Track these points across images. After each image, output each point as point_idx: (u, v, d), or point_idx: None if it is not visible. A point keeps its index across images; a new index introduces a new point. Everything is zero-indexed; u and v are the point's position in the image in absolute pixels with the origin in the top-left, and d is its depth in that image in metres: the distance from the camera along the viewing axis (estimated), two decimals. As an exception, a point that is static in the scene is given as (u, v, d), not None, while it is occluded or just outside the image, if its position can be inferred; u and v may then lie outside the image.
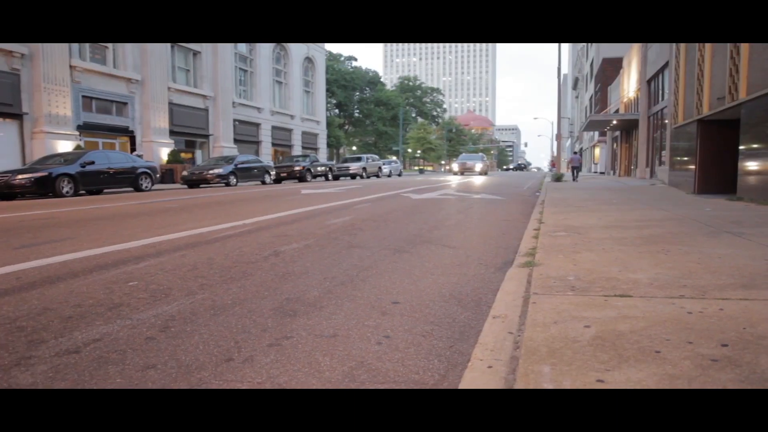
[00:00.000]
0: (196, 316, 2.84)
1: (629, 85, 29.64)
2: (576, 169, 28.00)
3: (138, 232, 6.21)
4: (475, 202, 10.85)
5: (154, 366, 2.17)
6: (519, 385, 1.76)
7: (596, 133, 50.17)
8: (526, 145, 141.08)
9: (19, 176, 13.51)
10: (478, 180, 26.81)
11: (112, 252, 4.79)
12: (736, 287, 2.96)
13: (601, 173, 45.83)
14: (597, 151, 53.92)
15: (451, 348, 2.40)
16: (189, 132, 30.92)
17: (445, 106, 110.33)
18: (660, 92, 22.10)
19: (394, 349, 2.37)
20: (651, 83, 24.05)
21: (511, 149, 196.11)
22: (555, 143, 36.97)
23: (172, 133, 28.47)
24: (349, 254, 4.71)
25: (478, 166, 38.53)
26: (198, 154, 32.32)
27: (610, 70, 41.78)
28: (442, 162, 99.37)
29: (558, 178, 22.81)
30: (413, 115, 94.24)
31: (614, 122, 31.52)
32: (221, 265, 4.21)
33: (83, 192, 15.62)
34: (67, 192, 14.32)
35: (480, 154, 47.11)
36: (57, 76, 21.61)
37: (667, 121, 18.65)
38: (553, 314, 2.53)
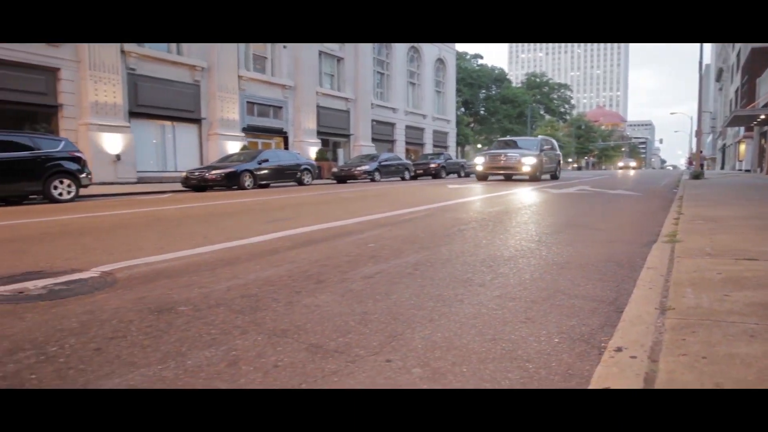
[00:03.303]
0: (431, 263, 4.17)
1: (782, 77, 27.95)
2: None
3: (341, 214, 7.80)
4: (612, 197, 11.50)
5: (426, 285, 3.50)
6: (671, 297, 2.86)
7: (741, 129, 46.92)
8: (660, 141, 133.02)
9: (213, 171, 16.15)
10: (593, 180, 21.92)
11: (335, 227, 6.35)
12: None
13: (747, 171, 42.97)
14: (742, 147, 50.36)
15: (617, 287, 3.50)
16: (332, 132, 33.53)
17: (573, 102, 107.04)
18: (816, 86, 20.92)
19: (578, 285, 3.52)
20: (806, 76, 22.74)
21: (644, 146, 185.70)
22: (694, 139, 34.76)
23: (318, 133, 31.14)
24: (516, 232, 5.89)
25: (528, 162, 18.78)
26: (339, 152, 34.92)
27: (760, 60, 39.00)
28: (570, 160, 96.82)
29: (697, 176, 22.20)
30: (540, 112, 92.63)
31: (762, 117, 29.77)
32: (424, 236, 5.57)
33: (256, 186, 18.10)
34: (248, 185, 16.75)
35: (538, 138, 23.27)
36: (228, 85, 24.83)
37: (822, 117, 17.80)
38: (693, 267, 3.55)
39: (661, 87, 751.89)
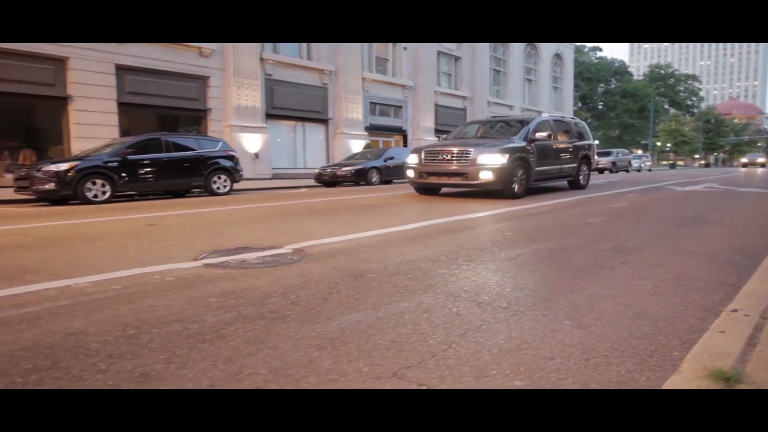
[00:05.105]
0: (564, 249, 4.78)
1: None
2: None
3: (471, 207, 8.48)
4: (742, 195, 11.28)
5: (563, 266, 4.13)
6: (786, 280, 3.32)
7: None
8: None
9: (344, 168, 17.54)
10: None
11: (471, 218, 7.07)
12: None
13: None
14: None
15: (739, 273, 3.91)
16: (449, 130, 34.01)
17: (702, 93, 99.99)
18: None
19: (701, 270, 3.99)
20: None
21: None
22: None
23: (435, 131, 31.98)
24: (640, 226, 6.31)
25: (488, 163, 10.10)
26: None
27: None
28: (696, 156, 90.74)
29: None
30: (665, 105, 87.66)
31: None
32: (553, 228, 6.16)
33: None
34: (375, 181, 17.91)
35: (532, 119, 12.11)
36: (352, 87, 26.41)
37: None
38: (814, 257, 3.93)
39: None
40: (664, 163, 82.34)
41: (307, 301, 3.16)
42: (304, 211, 8.43)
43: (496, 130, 12.25)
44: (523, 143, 10.81)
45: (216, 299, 3.21)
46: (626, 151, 40.55)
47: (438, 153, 10.80)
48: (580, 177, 13.33)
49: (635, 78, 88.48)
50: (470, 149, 10.30)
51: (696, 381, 1.83)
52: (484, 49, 35.83)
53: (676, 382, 1.87)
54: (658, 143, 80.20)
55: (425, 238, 5.45)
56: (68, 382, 2.08)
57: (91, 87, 17.74)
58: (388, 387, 2.01)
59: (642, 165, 40.26)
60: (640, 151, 58.31)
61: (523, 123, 11.61)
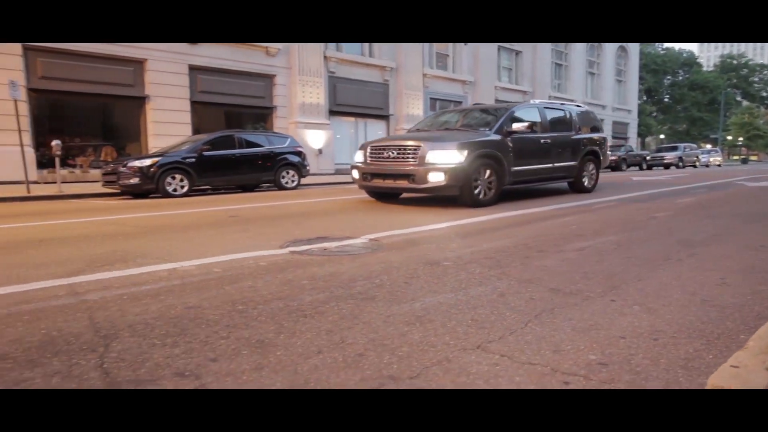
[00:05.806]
0: (630, 242, 4.91)
1: None
2: None
3: (532, 201, 8.63)
4: (821, 192, 10.94)
5: (630, 257, 4.28)
6: None
7: None
8: None
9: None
10: None
11: (537, 212, 7.24)
12: None
13: None
14: None
15: (810, 266, 4.00)
16: (508, 125, 34.16)
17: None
18: None
19: (770, 263, 4.08)
20: None
21: None
22: None
23: (494, 126, 32.02)
24: (707, 221, 6.31)
25: (439, 161, 7.98)
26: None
27: None
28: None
29: None
30: (737, 98, 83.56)
31: None
32: (617, 222, 6.26)
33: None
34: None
35: (508, 106, 9.84)
36: (413, 83, 26.79)
37: None
38: None
39: None
40: (735, 158, 78.65)
41: (391, 285, 3.45)
42: (372, 206, 8.77)
43: (473, 120, 9.86)
44: (497, 137, 8.74)
45: (307, 282, 3.55)
46: (694, 145, 39.17)
47: (384, 149, 8.78)
48: (584, 178, 10.95)
49: (705, 69, 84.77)
50: (422, 144, 8.23)
51: (761, 356, 2.02)
52: (546, 43, 35.42)
53: (740, 357, 2.06)
54: (729, 137, 76.69)
55: (493, 231, 5.68)
56: (198, 344, 2.44)
57: (167, 87, 18.77)
58: (473, 358, 2.26)
59: (710, 160, 38.79)
60: (709, 146, 55.96)
61: (503, 111, 9.41)
